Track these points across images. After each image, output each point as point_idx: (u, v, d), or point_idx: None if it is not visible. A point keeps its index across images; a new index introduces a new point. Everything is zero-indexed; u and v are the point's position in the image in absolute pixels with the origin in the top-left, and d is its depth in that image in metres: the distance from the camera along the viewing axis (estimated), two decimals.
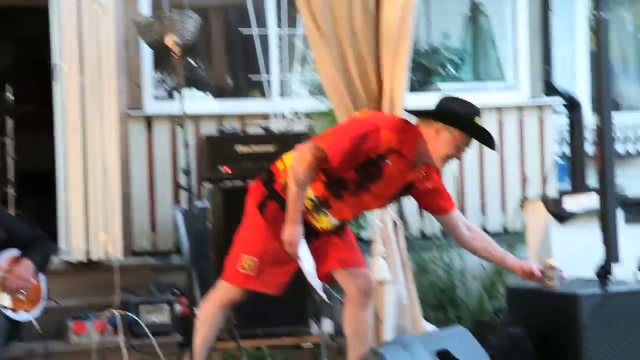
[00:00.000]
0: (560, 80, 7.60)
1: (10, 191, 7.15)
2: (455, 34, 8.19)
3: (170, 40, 4.45)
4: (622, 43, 8.85)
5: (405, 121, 4.41)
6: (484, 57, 8.19)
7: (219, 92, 7.76)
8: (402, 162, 4.29)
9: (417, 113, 4.40)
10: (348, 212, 4.41)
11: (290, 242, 4.25)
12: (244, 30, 7.12)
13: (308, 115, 6.78)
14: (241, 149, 5.94)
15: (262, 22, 7.24)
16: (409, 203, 7.12)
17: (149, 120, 6.98)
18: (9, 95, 7.33)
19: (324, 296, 4.64)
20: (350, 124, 4.43)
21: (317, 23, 5.50)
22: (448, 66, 7.96)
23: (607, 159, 5.00)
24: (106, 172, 6.40)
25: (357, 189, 4.32)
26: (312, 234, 4.39)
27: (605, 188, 5.01)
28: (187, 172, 5.16)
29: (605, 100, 4.96)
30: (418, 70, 7.65)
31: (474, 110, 4.29)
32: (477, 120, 4.29)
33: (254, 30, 7.15)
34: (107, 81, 6.48)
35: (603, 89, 4.90)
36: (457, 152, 4.29)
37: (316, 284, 4.37)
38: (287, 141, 5.66)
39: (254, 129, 6.37)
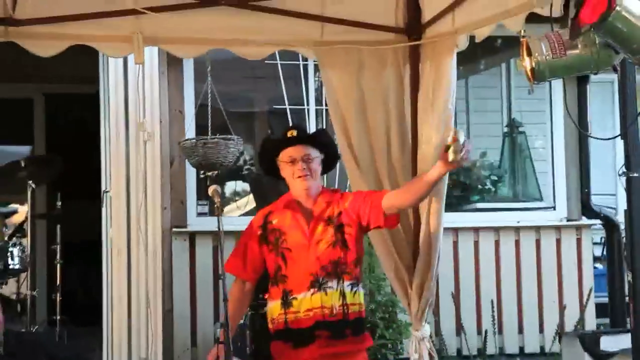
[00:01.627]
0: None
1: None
2: (493, 150, 8.27)
3: (211, 190, 4.62)
4: None
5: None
6: (522, 175, 8.25)
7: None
8: (291, 214, 4.47)
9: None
10: (302, 278, 4.46)
11: None
12: None
13: None
14: None
15: None
16: (446, 322, 7.28)
17: (192, 236, 7.14)
18: (58, 204, 7.52)
19: None
20: None
21: (354, 154, 5.61)
22: (487, 183, 8.04)
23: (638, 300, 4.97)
24: (150, 291, 6.56)
25: (283, 259, 4.46)
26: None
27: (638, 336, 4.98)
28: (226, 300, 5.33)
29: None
30: (456, 187, 7.76)
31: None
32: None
33: None
34: (151, 201, 6.70)
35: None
36: (292, 166, 4.47)
37: None
38: None
39: None
